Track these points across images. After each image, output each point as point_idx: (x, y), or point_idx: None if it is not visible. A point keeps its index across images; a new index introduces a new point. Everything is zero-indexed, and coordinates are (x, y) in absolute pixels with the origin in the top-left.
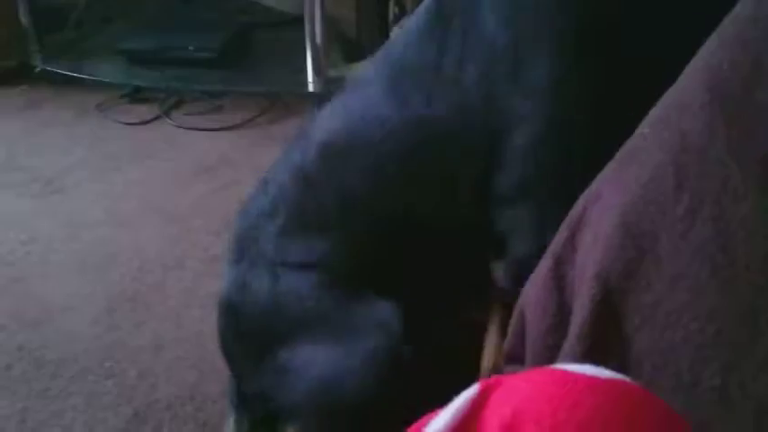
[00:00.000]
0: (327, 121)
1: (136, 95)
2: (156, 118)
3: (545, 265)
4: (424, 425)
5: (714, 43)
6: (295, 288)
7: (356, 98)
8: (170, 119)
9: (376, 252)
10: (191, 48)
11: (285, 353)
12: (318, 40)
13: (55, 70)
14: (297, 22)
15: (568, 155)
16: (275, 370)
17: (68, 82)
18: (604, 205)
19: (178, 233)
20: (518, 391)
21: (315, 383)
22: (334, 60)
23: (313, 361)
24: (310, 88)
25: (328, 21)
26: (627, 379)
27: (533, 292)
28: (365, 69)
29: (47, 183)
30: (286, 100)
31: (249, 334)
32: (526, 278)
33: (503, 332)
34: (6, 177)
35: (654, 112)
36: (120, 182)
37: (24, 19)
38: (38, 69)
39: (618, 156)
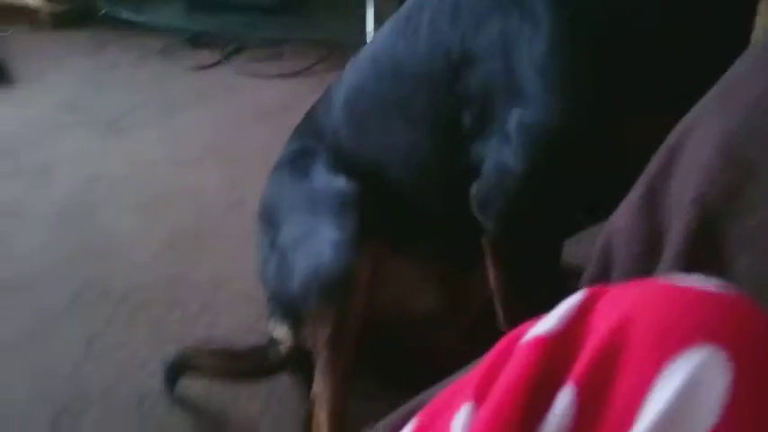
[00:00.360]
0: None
1: (197, 41)
2: (217, 63)
3: (636, 193)
4: (526, 329)
5: None
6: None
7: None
8: (230, 64)
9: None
10: None
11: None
12: None
13: (119, 15)
14: None
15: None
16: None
17: (132, 26)
18: (703, 134)
19: (237, 175)
20: (626, 297)
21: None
22: (393, 10)
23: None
24: (369, 38)
25: None
26: (735, 291)
27: (623, 219)
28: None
29: (112, 123)
30: (345, 49)
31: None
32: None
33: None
34: (74, 116)
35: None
36: (181, 124)
37: None
38: (102, 13)
39: (716, 88)
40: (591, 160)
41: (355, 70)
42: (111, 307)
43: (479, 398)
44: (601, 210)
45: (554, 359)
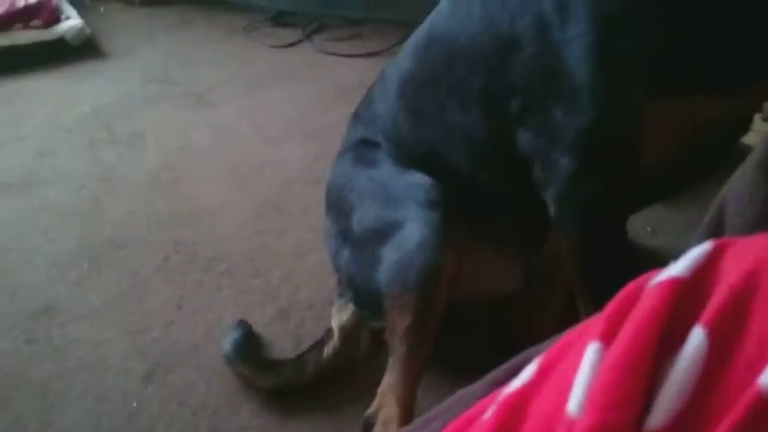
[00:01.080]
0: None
1: (280, 19)
2: (299, 42)
3: (753, 158)
4: (652, 276)
5: None
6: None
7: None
8: (312, 43)
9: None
10: None
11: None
12: None
13: None
14: None
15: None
16: (352, 245)
17: (217, 3)
18: None
19: (318, 150)
20: (755, 246)
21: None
22: None
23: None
24: None
25: None
26: None
27: (740, 184)
28: None
29: (199, 96)
30: None
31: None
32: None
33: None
34: (163, 89)
35: None
36: (264, 100)
37: None
38: None
39: None
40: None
41: (409, 54)
42: (199, 272)
43: (607, 338)
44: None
45: (685, 300)
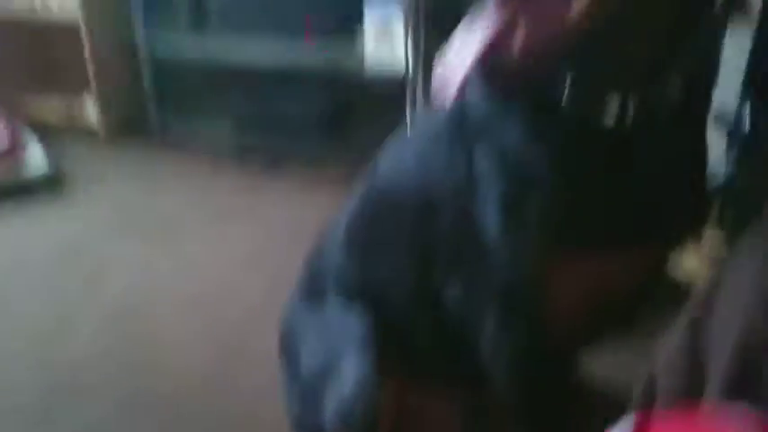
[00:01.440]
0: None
1: (243, 155)
2: (260, 176)
3: (678, 328)
4: None
5: None
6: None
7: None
8: (273, 178)
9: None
10: (294, 113)
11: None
12: (418, 107)
13: (170, 130)
14: (399, 89)
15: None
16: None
17: (182, 140)
18: (740, 275)
19: (281, 285)
20: (680, 422)
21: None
22: None
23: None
24: None
25: (428, 93)
26: None
27: (665, 352)
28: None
29: (161, 232)
30: None
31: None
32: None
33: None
34: (127, 224)
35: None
36: (227, 235)
37: (145, 80)
38: (155, 128)
39: (749, 231)
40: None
41: (356, 198)
42: (158, 416)
43: None
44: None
45: None
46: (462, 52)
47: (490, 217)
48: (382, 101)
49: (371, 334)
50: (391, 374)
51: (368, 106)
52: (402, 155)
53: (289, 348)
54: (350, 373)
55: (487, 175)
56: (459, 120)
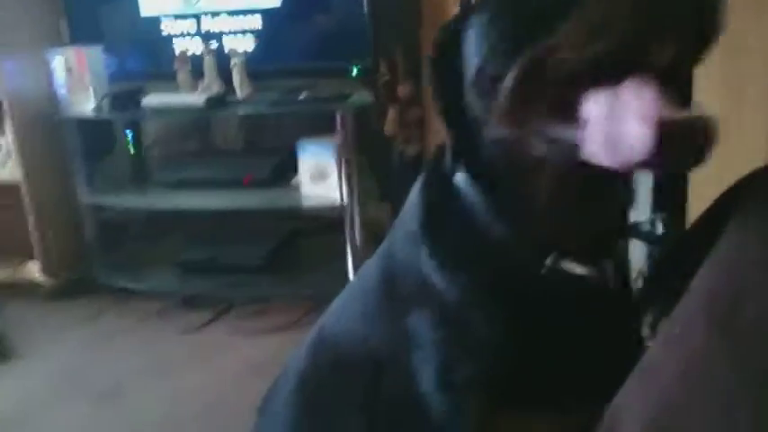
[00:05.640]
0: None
1: (189, 302)
2: (209, 323)
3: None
4: None
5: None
6: None
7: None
8: (222, 323)
9: None
10: (239, 256)
11: None
12: (358, 242)
13: (115, 283)
14: (338, 226)
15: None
16: None
17: (127, 292)
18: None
19: None
20: None
21: None
22: None
23: None
24: None
25: (366, 224)
26: None
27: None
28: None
29: (110, 391)
30: (329, 302)
31: None
32: None
33: None
34: (72, 387)
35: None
36: (176, 387)
37: (88, 236)
38: (100, 282)
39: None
40: None
41: (304, 349)
42: None
43: None
44: None
45: None
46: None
47: (427, 381)
48: (322, 237)
49: None
50: None
51: (310, 244)
52: (347, 309)
53: None
54: None
55: (420, 337)
56: (393, 276)
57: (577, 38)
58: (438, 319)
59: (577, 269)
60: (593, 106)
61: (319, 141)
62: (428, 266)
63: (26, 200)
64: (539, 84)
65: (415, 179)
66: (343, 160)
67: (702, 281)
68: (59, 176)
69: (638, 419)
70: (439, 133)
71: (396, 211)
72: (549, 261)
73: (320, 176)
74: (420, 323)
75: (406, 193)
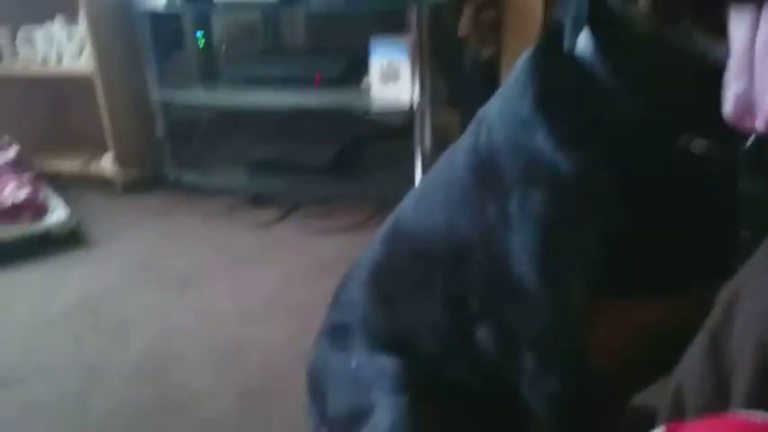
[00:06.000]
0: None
1: (258, 200)
2: (277, 221)
3: (700, 341)
4: None
5: None
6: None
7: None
8: (289, 222)
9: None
10: (307, 157)
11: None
12: (427, 146)
13: (185, 179)
14: (406, 131)
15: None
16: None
17: (197, 189)
18: (761, 286)
19: (302, 328)
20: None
21: None
22: None
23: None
24: None
25: (435, 129)
26: None
27: (689, 365)
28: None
29: (182, 280)
30: (395, 204)
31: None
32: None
33: None
34: (147, 276)
35: None
36: (246, 280)
37: (159, 132)
38: (170, 178)
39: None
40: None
41: (378, 242)
42: None
43: None
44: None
45: None
46: (763, 72)
47: (525, 262)
48: (391, 141)
49: (404, 376)
50: (425, 422)
51: (377, 147)
52: (426, 200)
53: (316, 391)
54: (383, 416)
55: (520, 219)
56: (489, 164)
57: None
58: (551, 198)
59: (709, 150)
60: (733, 36)
61: (391, 41)
62: (543, 145)
63: (99, 93)
64: None
65: (489, 81)
66: (415, 62)
67: None
68: (132, 70)
69: (762, 295)
70: (515, 34)
71: (466, 115)
72: (681, 142)
73: (391, 78)
74: (525, 206)
75: (477, 97)
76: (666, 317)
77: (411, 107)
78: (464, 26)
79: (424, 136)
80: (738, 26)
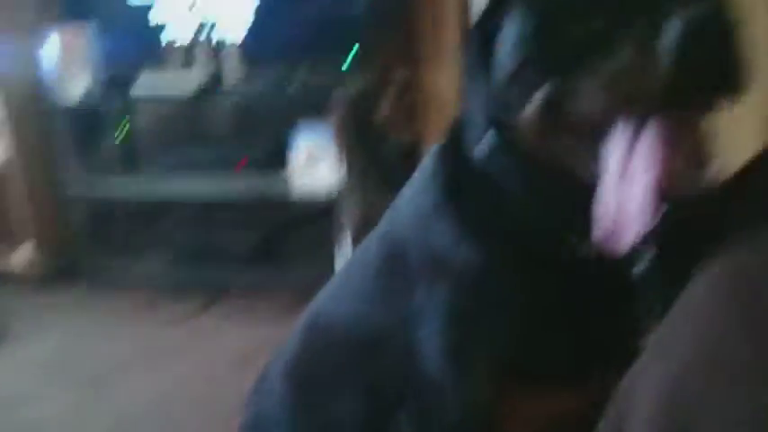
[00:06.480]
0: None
1: (178, 292)
2: (197, 313)
3: (603, 426)
4: None
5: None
6: None
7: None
8: (210, 313)
9: None
10: (230, 244)
11: None
12: (352, 232)
13: (104, 271)
14: (331, 214)
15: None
16: None
17: (116, 281)
18: (646, 387)
19: (223, 427)
20: None
21: None
22: None
23: None
24: None
25: (360, 212)
26: None
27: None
28: None
29: (98, 377)
30: (318, 291)
31: None
32: None
33: None
34: (62, 372)
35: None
36: (167, 376)
37: (77, 224)
38: (89, 271)
39: (647, 352)
40: None
41: (299, 331)
42: None
43: None
44: None
45: None
46: (635, 196)
47: (436, 352)
48: (316, 224)
49: None
50: None
51: (301, 233)
52: (342, 289)
53: None
54: None
55: (428, 309)
56: (399, 254)
57: (603, 93)
58: (455, 292)
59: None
60: (611, 157)
61: (313, 129)
62: (448, 238)
63: (16, 184)
64: (561, 115)
65: (409, 167)
66: (337, 148)
67: (724, 261)
68: (48, 164)
69: (653, 396)
70: (434, 120)
71: (390, 198)
72: (574, 240)
73: (314, 164)
74: (431, 297)
75: (400, 180)
76: (573, 405)
77: (335, 191)
78: (386, 110)
79: (348, 219)
80: (614, 150)
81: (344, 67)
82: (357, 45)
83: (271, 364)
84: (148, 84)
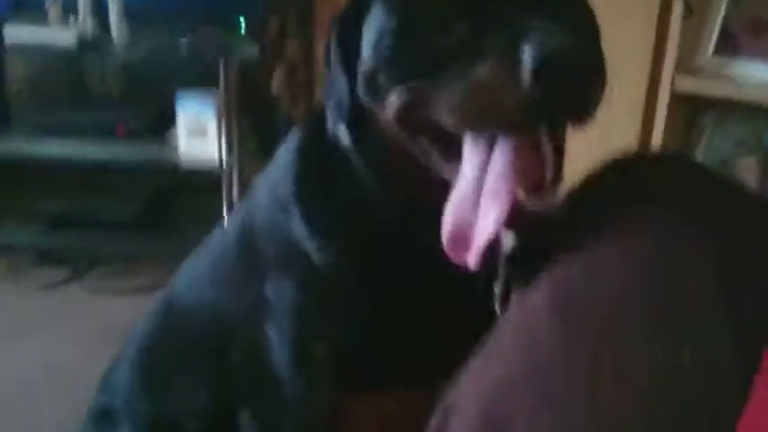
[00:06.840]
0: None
1: (46, 259)
2: (66, 281)
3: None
4: None
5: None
6: None
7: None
8: (82, 282)
9: None
10: (107, 212)
11: None
12: (235, 200)
13: None
14: (215, 185)
15: None
16: None
17: None
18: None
19: (82, 403)
20: None
21: None
22: None
23: None
24: None
25: (245, 186)
26: None
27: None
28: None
29: None
30: None
31: None
32: None
33: None
34: None
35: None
36: (26, 349)
37: None
38: None
39: (477, 354)
40: None
41: (151, 316)
42: None
43: None
44: None
45: None
46: (484, 208)
47: (279, 348)
48: (198, 196)
49: None
50: None
51: (184, 203)
52: (197, 276)
53: None
54: None
55: (274, 304)
56: (252, 242)
57: (460, 105)
58: (302, 287)
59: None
60: (465, 164)
61: (200, 95)
62: (299, 231)
63: None
64: (416, 118)
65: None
66: (223, 117)
67: (553, 272)
68: None
69: (474, 400)
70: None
71: None
72: (425, 240)
73: (199, 132)
74: (279, 291)
75: None
76: (411, 409)
77: (220, 163)
78: (277, 85)
79: (232, 193)
80: (471, 156)
81: (236, 35)
82: (251, 12)
83: (124, 348)
84: (25, 32)
